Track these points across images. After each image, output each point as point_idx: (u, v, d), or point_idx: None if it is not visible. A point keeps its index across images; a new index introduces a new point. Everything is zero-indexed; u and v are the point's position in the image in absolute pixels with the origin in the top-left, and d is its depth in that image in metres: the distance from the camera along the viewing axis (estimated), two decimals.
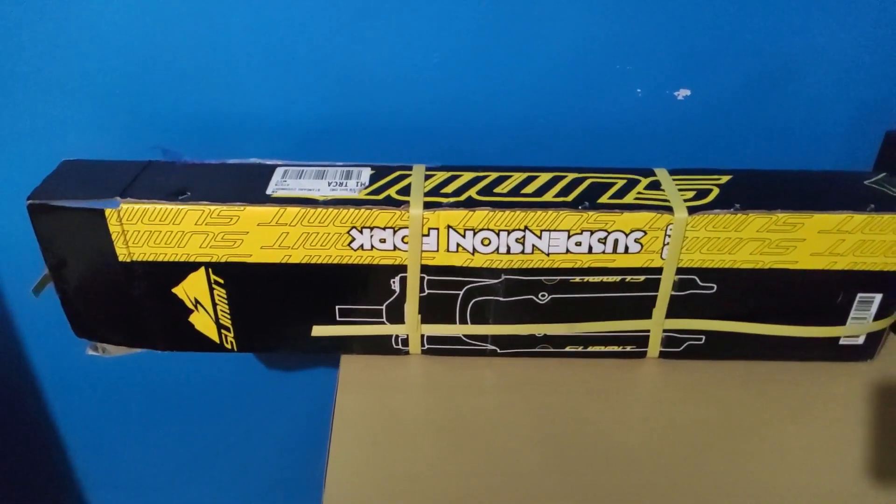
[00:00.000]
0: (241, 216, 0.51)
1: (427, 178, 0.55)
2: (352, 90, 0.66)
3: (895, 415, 0.54)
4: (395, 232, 0.52)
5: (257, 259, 0.53)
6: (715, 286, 0.55)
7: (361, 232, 0.52)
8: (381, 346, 0.58)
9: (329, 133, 0.68)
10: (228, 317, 0.57)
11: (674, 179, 0.55)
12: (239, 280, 0.55)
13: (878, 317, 0.56)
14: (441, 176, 0.55)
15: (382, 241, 0.52)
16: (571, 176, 0.55)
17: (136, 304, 0.56)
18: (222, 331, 0.58)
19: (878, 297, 0.55)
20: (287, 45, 0.64)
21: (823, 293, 0.54)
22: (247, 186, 0.53)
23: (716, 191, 0.54)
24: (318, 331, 0.57)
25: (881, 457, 0.51)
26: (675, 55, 0.66)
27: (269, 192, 0.52)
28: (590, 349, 0.58)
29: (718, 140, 0.70)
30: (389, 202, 0.52)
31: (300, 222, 0.51)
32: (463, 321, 0.56)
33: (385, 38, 0.64)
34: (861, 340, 0.57)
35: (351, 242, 0.52)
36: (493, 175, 0.55)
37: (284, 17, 0.62)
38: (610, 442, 0.52)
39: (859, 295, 0.55)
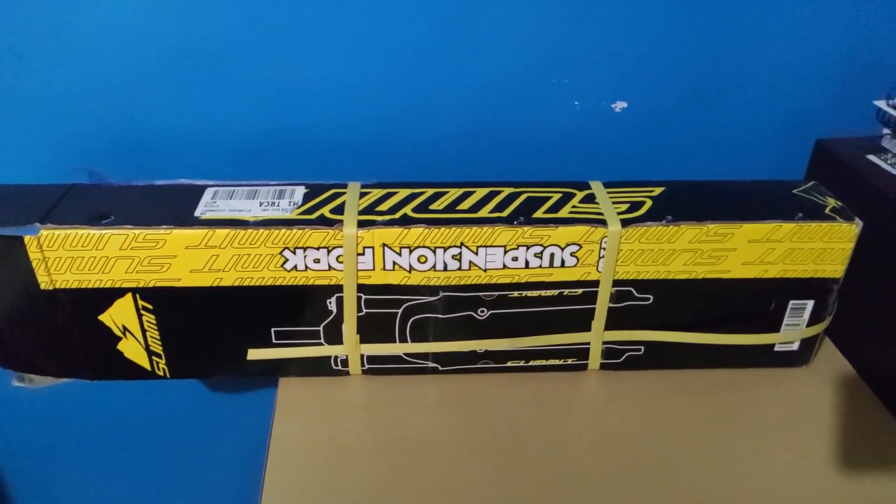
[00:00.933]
0: (168, 240, 0.50)
1: (362, 195, 0.54)
2: (287, 106, 0.65)
3: (830, 419, 0.55)
4: (329, 252, 0.51)
5: (187, 283, 0.52)
6: (651, 297, 0.55)
7: (294, 252, 0.51)
8: (320, 367, 0.57)
9: (264, 151, 0.67)
10: (159, 343, 0.55)
11: (608, 192, 0.55)
12: (169, 305, 0.53)
13: (811, 323, 0.57)
14: (376, 193, 0.54)
15: (317, 261, 0.51)
16: (508, 191, 0.55)
17: (61, 332, 0.54)
18: (153, 358, 0.56)
19: (809, 304, 0.56)
20: (218, 60, 0.62)
21: (757, 301, 0.55)
22: (174, 209, 0.52)
23: (649, 203, 0.54)
24: (255, 354, 0.56)
25: (816, 462, 0.52)
26: (612, 68, 0.67)
27: (197, 213, 0.51)
28: (531, 363, 0.58)
29: (655, 151, 0.71)
30: (323, 222, 0.51)
31: (230, 244, 0.50)
32: (403, 339, 0.56)
33: (321, 53, 0.63)
34: (796, 346, 0.58)
35: (284, 263, 0.51)
36: (430, 191, 0.55)
37: (214, 31, 0.61)
38: (553, 457, 0.52)
39: (791, 302, 0.56)
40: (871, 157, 0.62)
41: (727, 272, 0.54)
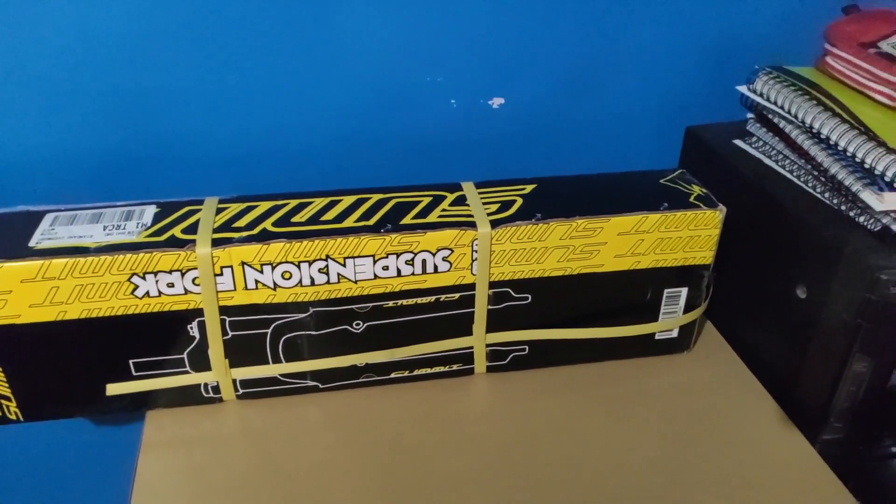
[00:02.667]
0: (0, 274, 0.46)
1: (219, 211, 0.51)
2: (139, 120, 0.61)
3: (711, 403, 0.56)
4: (183, 274, 0.48)
5: (28, 319, 0.47)
6: (529, 296, 0.54)
7: (144, 278, 0.47)
8: (189, 396, 0.53)
9: (116, 169, 0.62)
10: (7, 385, 0.50)
11: (479, 193, 0.54)
12: (10, 344, 0.48)
13: (687, 309, 0.57)
14: (235, 208, 0.51)
15: (170, 285, 0.48)
16: (376, 197, 0.53)
17: None
18: (2, 401, 0.51)
19: (684, 291, 0.56)
20: (59, 72, 0.57)
21: (633, 292, 0.55)
22: (6, 239, 0.47)
23: (519, 202, 0.53)
24: (114, 389, 0.51)
25: (696, 449, 0.52)
26: (487, 64, 0.66)
27: (31, 243, 0.47)
28: (416, 372, 0.56)
29: (534, 146, 0.71)
30: (173, 243, 0.47)
31: (71, 274, 0.46)
32: (276, 360, 0.53)
33: (174, 60, 0.59)
34: (675, 334, 0.59)
35: (134, 290, 0.48)
36: (293, 203, 0.52)
37: (56, 40, 0.56)
38: (442, 468, 0.50)
39: (666, 291, 0.56)
40: (738, 142, 0.63)
41: (601, 266, 0.54)
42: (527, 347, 0.57)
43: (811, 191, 0.55)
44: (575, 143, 0.71)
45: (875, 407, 0.51)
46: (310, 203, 0.52)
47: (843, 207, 0.52)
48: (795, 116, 0.55)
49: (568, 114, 0.70)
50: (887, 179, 0.48)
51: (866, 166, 0.50)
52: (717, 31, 0.68)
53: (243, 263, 0.48)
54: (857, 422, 0.52)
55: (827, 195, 0.54)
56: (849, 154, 0.51)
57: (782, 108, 0.57)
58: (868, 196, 0.49)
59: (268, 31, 0.60)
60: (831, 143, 0.52)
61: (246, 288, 0.49)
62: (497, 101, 0.69)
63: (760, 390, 0.57)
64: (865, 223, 0.50)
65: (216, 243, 0.48)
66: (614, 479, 0.50)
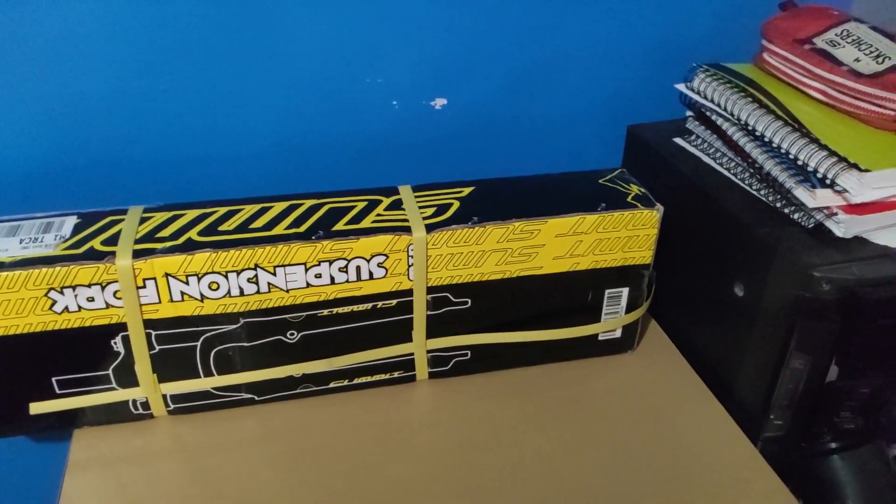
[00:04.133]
0: None
1: (143, 221, 0.49)
2: (63, 125, 0.58)
3: (654, 403, 0.56)
4: (103, 288, 0.46)
5: None
6: (469, 300, 0.53)
7: (62, 292, 0.45)
8: (117, 413, 0.51)
9: (40, 179, 0.60)
10: None
11: (416, 197, 0.53)
12: None
13: (629, 309, 0.57)
14: (159, 217, 0.49)
15: (90, 299, 0.46)
16: (308, 203, 0.52)
17: None
18: None
19: (625, 291, 0.56)
20: None
21: (573, 294, 0.55)
22: None
23: (456, 205, 0.52)
24: (37, 408, 0.49)
25: (642, 451, 0.52)
26: (429, 64, 0.65)
27: None
28: (356, 381, 0.55)
29: (479, 148, 0.70)
30: (92, 255, 0.45)
31: None
32: (208, 373, 0.51)
33: (101, 63, 0.57)
34: (618, 334, 0.58)
35: (53, 306, 0.45)
36: (221, 210, 0.50)
37: None
38: (382, 478, 0.49)
39: (607, 291, 0.56)
40: (678, 141, 0.63)
41: (540, 268, 0.53)
42: (469, 352, 0.56)
43: (748, 188, 0.55)
44: (519, 143, 0.71)
45: (814, 403, 0.52)
46: (239, 210, 0.50)
47: (778, 205, 0.52)
48: (732, 114, 0.55)
49: (511, 114, 0.70)
50: (819, 176, 0.48)
51: (800, 163, 0.50)
52: (657, 29, 0.68)
53: (167, 275, 0.46)
54: (796, 418, 0.52)
55: (763, 193, 0.54)
56: (783, 151, 0.51)
57: (719, 105, 0.57)
58: (801, 193, 0.49)
59: (199, 31, 0.58)
60: (766, 140, 0.52)
61: (171, 300, 0.47)
62: (440, 102, 0.68)
63: (703, 389, 0.57)
64: (800, 220, 0.50)
65: (138, 254, 0.46)
66: (556, 483, 0.49)
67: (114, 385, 0.50)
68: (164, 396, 0.51)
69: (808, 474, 0.54)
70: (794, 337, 0.49)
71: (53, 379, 0.48)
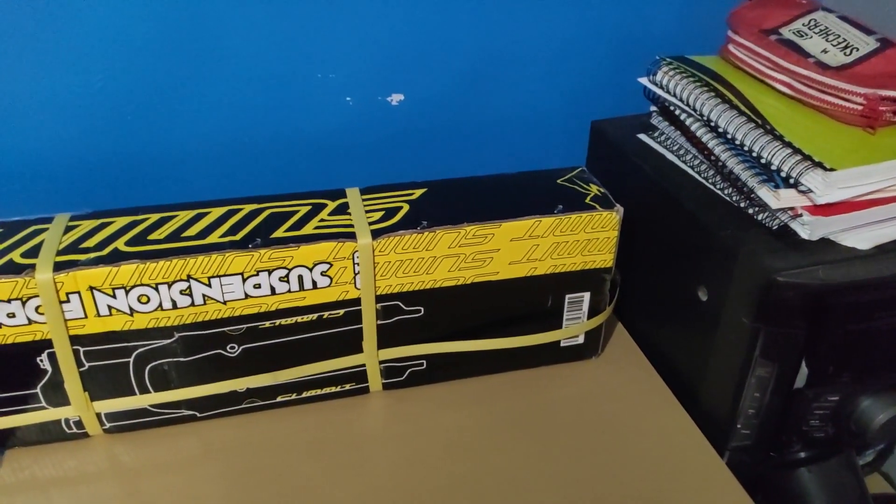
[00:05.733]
0: None
1: (68, 230, 0.46)
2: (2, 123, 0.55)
3: (619, 411, 0.53)
4: (24, 303, 0.43)
5: None
6: (422, 308, 0.51)
7: None
8: (49, 433, 0.48)
9: None
10: None
11: (364, 199, 0.50)
12: None
13: (591, 314, 0.55)
14: (86, 226, 0.46)
15: (11, 315, 0.43)
16: (248, 208, 0.49)
17: None
18: None
19: (586, 296, 0.53)
20: None
21: (532, 299, 0.52)
22: None
23: (405, 208, 0.50)
24: None
25: (605, 462, 0.49)
26: (383, 58, 0.62)
27: None
28: (305, 395, 0.52)
29: (436, 145, 0.67)
30: (9, 269, 0.42)
31: None
32: (143, 390, 0.48)
33: (30, 58, 0.54)
34: (581, 340, 0.56)
35: None
36: (153, 217, 0.48)
37: None
38: (334, 497, 0.46)
39: (568, 296, 0.53)
40: (642, 137, 0.60)
41: (496, 273, 0.50)
42: (424, 362, 0.53)
43: (712, 187, 0.53)
44: (479, 140, 0.68)
45: (782, 411, 0.50)
46: (172, 217, 0.48)
47: (742, 205, 0.50)
48: (694, 109, 0.53)
49: (471, 109, 0.67)
50: (783, 175, 0.46)
51: (763, 161, 0.47)
52: (620, 19, 0.65)
53: (92, 288, 0.43)
54: (764, 427, 0.50)
55: (727, 192, 0.51)
56: (746, 149, 0.49)
57: (682, 100, 0.54)
58: (765, 193, 0.46)
59: (135, 21, 0.55)
60: (729, 137, 0.50)
61: (98, 315, 0.44)
62: (396, 98, 0.65)
63: (669, 397, 0.55)
64: (764, 221, 0.48)
65: (60, 267, 0.43)
66: (517, 498, 0.47)
67: (43, 404, 0.47)
68: (99, 415, 0.48)
69: (776, 487, 0.52)
70: (758, 344, 0.47)
71: None
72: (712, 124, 0.51)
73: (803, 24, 0.55)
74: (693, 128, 0.54)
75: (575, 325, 0.55)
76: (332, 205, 0.50)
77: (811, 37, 0.54)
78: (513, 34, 0.64)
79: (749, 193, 0.48)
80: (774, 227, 0.47)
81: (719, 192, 0.52)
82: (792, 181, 0.45)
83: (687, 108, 0.54)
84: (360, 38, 0.60)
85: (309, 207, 0.49)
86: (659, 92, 0.56)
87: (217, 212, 0.48)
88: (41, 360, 0.45)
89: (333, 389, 0.53)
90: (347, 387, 0.53)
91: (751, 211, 0.49)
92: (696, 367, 0.53)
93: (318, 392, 0.52)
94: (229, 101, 0.59)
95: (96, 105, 0.56)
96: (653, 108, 0.60)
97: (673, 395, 0.55)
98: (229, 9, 0.56)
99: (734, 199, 0.51)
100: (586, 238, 0.50)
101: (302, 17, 0.58)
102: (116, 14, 0.53)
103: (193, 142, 0.60)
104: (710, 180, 0.53)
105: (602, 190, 0.52)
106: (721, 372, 0.51)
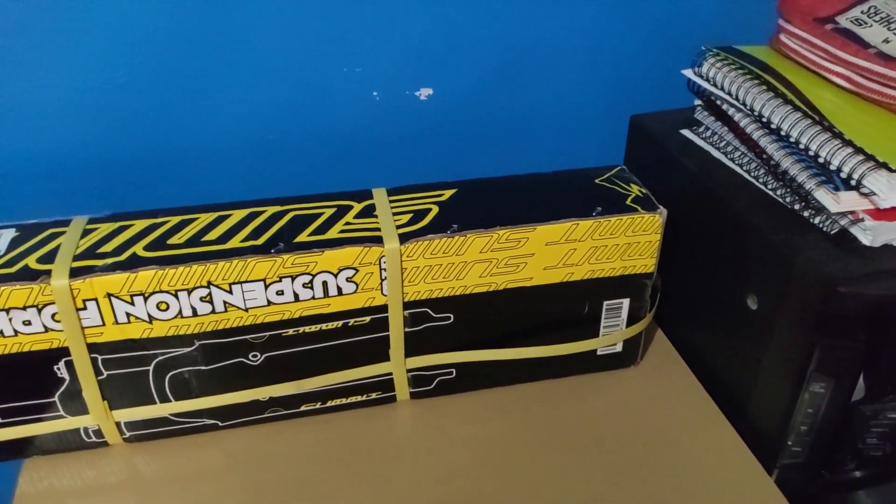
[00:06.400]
0: None
1: (86, 234, 0.44)
2: (8, 126, 0.54)
3: (659, 424, 0.50)
4: (39, 310, 0.41)
5: None
6: (451, 316, 0.48)
7: None
8: (68, 442, 0.47)
9: None
10: None
11: (391, 201, 0.48)
12: None
13: (630, 321, 0.52)
14: (105, 229, 0.45)
15: (27, 323, 0.42)
16: (271, 210, 0.47)
17: None
18: None
19: (625, 302, 0.51)
20: None
21: (568, 306, 0.49)
22: None
23: (435, 210, 0.47)
24: None
25: (646, 478, 0.46)
26: (411, 51, 0.59)
27: None
28: (330, 404, 0.50)
29: (466, 141, 0.64)
30: (25, 275, 0.41)
31: None
32: (164, 399, 0.47)
33: (48, 57, 0.52)
34: (619, 347, 0.53)
35: None
36: (173, 220, 0.46)
37: None
38: None
39: (606, 303, 0.50)
40: (685, 132, 0.57)
41: (529, 279, 0.48)
42: (453, 370, 0.51)
43: (762, 187, 0.49)
44: (511, 136, 0.65)
45: (837, 428, 0.46)
46: (193, 220, 0.46)
47: (796, 207, 0.46)
48: (744, 103, 0.49)
49: (503, 104, 0.64)
50: (843, 176, 0.42)
51: (821, 161, 0.44)
52: (662, 7, 0.61)
53: (109, 295, 0.42)
54: (817, 444, 0.47)
55: (780, 193, 0.48)
56: (802, 147, 0.45)
57: (730, 93, 0.51)
58: (823, 196, 0.43)
59: (158, 17, 0.53)
60: (783, 133, 0.47)
61: (116, 322, 0.43)
62: (425, 92, 0.63)
63: (713, 409, 0.52)
64: (821, 225, 0.45)
65: (76, 273, 0.41)
66: None
67: (62, 413, 0.45)
68: (119, 423, 0.47)
69: None
70: (814, 357, 0.43)
71: None
72: (764, 120, 0.48)
73: (862, 12, 0.51)
74: (742, 124, 0.50)
75: (613, 332, 0.52)
76: (357, 207, 0.47)
77: (871, 25, 0.50)
78: (547, 24, 0.61)
79: (805, 195, 0.45)
80: (832, 232, 0.44)
81: (770, 192, 0.49)
82: (853, 183, 0.42)
83: (735, 103, 0.50)
84: (388, 29, 0.58)
85: (334, 209, 0.47)
86: (704, 85, 0.53)
87: (239, 214, 0.46)
88: (58, 369, 0.44)
89: (359, 398, 0.51)
90: (373, 396, 0.51)
91: (806, 214, 0.46)
92: (744, 379, 0.50)
93: (343, 401, 0.50)
94: (251, 97, 0.57)
95: (115, 103, 0.54)
96: (697, 101, 0.56)
97: (717, 408, 0.52)
98: (251, 1, 0.53)
99: (787, 200, 0.47)
100: (627, 242, 0.47)
101: (327, 8, 0.56)
102: (137, 9, 0.52)
103: (214, 139, 0.58)
104: (760, 179, 0.50)
105: (643, 190, 0.49)
106: (772, 385, 0.47)
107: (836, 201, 0.42)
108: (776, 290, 0.45)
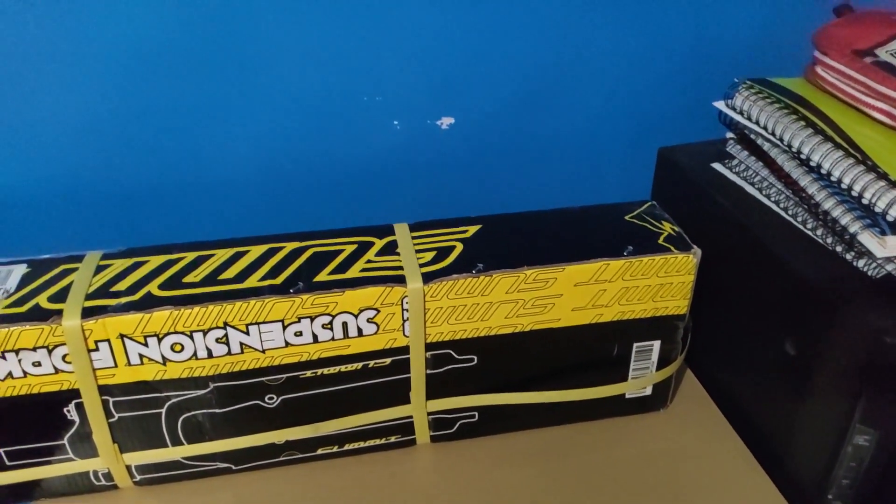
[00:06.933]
0: None
1: (99, 270, 0.43)
2: (20, 154, 0.52)
3: (690, 473, 0.48)
4: (50, 352, 0.40)
5: None
6: (475, 357, 0.46)
7: (4, 357, 0.39)
8: (77, 485, 0.45)
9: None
10: None
11: (413, 238, 0.46)
12: None
13: (661, 364, 0.50)
14: (119, 265, 0.43)
15: (37, 364, 0.40)
16: (290, 247, 0.46)
17: None
18: None
19: (656, 345, 0.49)
20: None
21: (596, 348, 0.48)
22: None
23: (459, 248, 0.45)
24: None
25: None
26: (432, 80, 0.58)
27: None
28: (347, 447, 0.48)
29: (487, 172, 0.63)
30: (35, 315, 0.39)
31: None
32: (176, 442, 0.45)
33: (54, 85, 0.51)
34: (648, 391, 0.51)
35: None
36: (190, 256, 0.44)
37: None
38: None
39: (636, 345, 0.48)
40: (716, 166, 0.55)
41: (557, 321, 0.46)
42: (476, 414, 0.49)
43: (800, 226, 0.47)
44: (534, 167, 0.63)
45: (881, 482, 0.44)
46: (210, 257, 0.44)
47: (838, 249, 0.44)
48: (781, 139, 0.48)
49: (527, 134, 0.62)
50: (890, 220, 0.40)
51: (865, 202, 0.42)
52: (694, 38, 0.60)
53: (122, 336, 0.40)
54: (859, 499, 0.44)
55: (819, 233, 0.46)
56: (844, 186, 0.43)
57: (765, 128, 0.49)
58: (867, 239, 0.41)
59: (172, 40, 0.52)
60: (823, 171, 0.45)
61: (129, 364, 0.41)
62: (446, 122, 0.61)
63: (748, 458, 0.49)
64: (865, 269, 0.43)
65: (88, 313, 0.40)
66: None
67: (71, 455, 0.44)
68: (129, 467, 0.45)
69: None
70: (858, 408, 0.41)
71: (2, 450, 0.43)
72: (802, 157, 0.46)
73: None
74: (778, 159, 0.48)
75: (643, 376, 0.50)
76: (379, 243, 0.46)
77: None
78: (572, 52, 0.59)
79: (849, 239, 0.43)
80: (878, 277, 0.42)
81: (809, 232, 0.47)
82: None
83: (771, 137, 0.49)
84: (409, 57, 0.57)
85: (355, 246, 0.45)
86: (737, 118, 0.51)
87: (257, 251, 0.45)
88: (68, 411, 0.42)
89: (377, 442, 0.49)
90: (392, 439, 0.49)
91: (848, 256, 0.43)
92: (782, 427, 0.47)
93: (361, 444, 0.48)
94: (269, 126, 0.56)
95: (129, 131, 0.53)
96: (729, 134, 0.55)
97: (752, 456, 0.50)
98: (268, 28, 0.52)
99: (828, 241, 0.45)
100: (659, 283, 0.46)
101: (348, 37, 0.55)
102: (155, 37, 0.51)
103: (231, 169, 0.57)
104: (798, 218, 0.48)
105: (676, 228, 0.47)
106: (812, 435, 0.45)
107: (882, 245, 0.40)
108: (817, 336, 0.43)
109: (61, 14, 0.48)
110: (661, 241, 0.46)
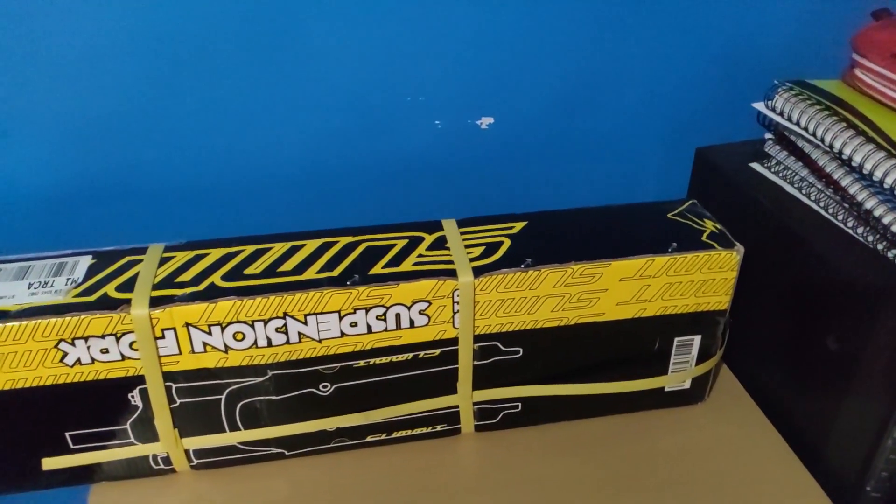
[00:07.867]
0: None
1: (163, 262, 0.44)
2: (73, 150, 0.54)
3: (728, 465, 0.49)
4: (118, 339, 0.42)
5: None
6: (521, 349, 0.48)
7: (74, 344, 0.41)
8: (136, 469, 0.47)
9: (52, 209, 0.56)
10: None
11: (462, 233, 0.48)
12: None
13: (700, 359, 0.51)
14: (181, 258, 0.45)
15: (104, 351, 0.42)
16: (344, 241, 0.47)
17: None
18: None
19: (696, 339, 0.50)
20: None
21: (638, 342, 0.49)
22: None
23: (507, 243, 0.47)
24: (50, 463, 0.45)
25: None
26: (474, 80, 0.59)
27: None
28: (395, 435, 0.50)
29: (527, 171, 0.64)
30: (104, 304, 0.41)
31: None
32: (234, 428, 0.47)
33: (113, 80, 0.53)
34: (688, 385, 0.52)
35: (64, 358, 0.41)
36: (249, 249, 0.46)
37: None
38: None
39: (677, 339, 0.49)
40: (755, 166, 0.56)
41: (601, 315, 0.47)
42: (519, 404, 0.50)
43: (841, 225, 0.48)
44: (572, 166, 0.65)
45: None
46: (268, 250, 0.46)
47: (879, 247, 0.45)
48: (822, 140, 0.49)
49: (564, 134, 0.64)
50: None
51: None
52: (731, 39, 0.61)
53: (187, 325, 0.42)
54: None
55: (860, 231, 0.47)
56: (886, 186, 0.44)
57: (805, 129, 0.50)
58: None
59: (220, 42, 0.53)
60: (864, 171, 0.46)
61: (193, 351, 0.43)
62: (486, 121, 0.63)
63: (785, 450, 0.50)
64: None
65: (155, 302, 0.41)
66: None
67: (132, 440, 0.46)
68: (187, 451, 0.47)
69: None
70: None
71: (67, 434, 0.45)
72: (843, 157, 0.47)
73: None
74: (820, 161, 0.49)
75: (683, 370, 0.51)
76: (429, 238, 0.47)
77: None
78: (611, 53, 0.60)
79: (891, 236, 0.44)
80: None
81: (850, 230, 0.48)
82: None
83: (812, 138, 0.49)
84: (451, 59, 0.58)
85: (406, 241, 0.47)
86: (777, 119, 0.52)
87: (312, 244, 0.46)
88: (132, 396, 0.44)
89: (424, 430, 0.50)
90: (438, 428, 0.50)
91: (890, 255, 0.44)
92: (820, 420, 0.48)
93: (409, 433, 0.50)
94: (314, 126, 0.58)
95: (180, 127, 0.54)
96: (767, 135, 0.56)
97: (790, 449, 0.51)
98: (313, 27, 0.54)
99: (869, 239, 0.46)
100: (702, 279, 0.47)
101: (392, 37, 0.56)
102: (199, 31, 0.52)
103: (277, 168, 0.58)
104: (838, 217, 0.49)
105: (718, 226, 0.48)
106: (852, 428, 0.46)
107: None
108: (860, 332, 0.44)
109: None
110: (704, 237, 0.47)
